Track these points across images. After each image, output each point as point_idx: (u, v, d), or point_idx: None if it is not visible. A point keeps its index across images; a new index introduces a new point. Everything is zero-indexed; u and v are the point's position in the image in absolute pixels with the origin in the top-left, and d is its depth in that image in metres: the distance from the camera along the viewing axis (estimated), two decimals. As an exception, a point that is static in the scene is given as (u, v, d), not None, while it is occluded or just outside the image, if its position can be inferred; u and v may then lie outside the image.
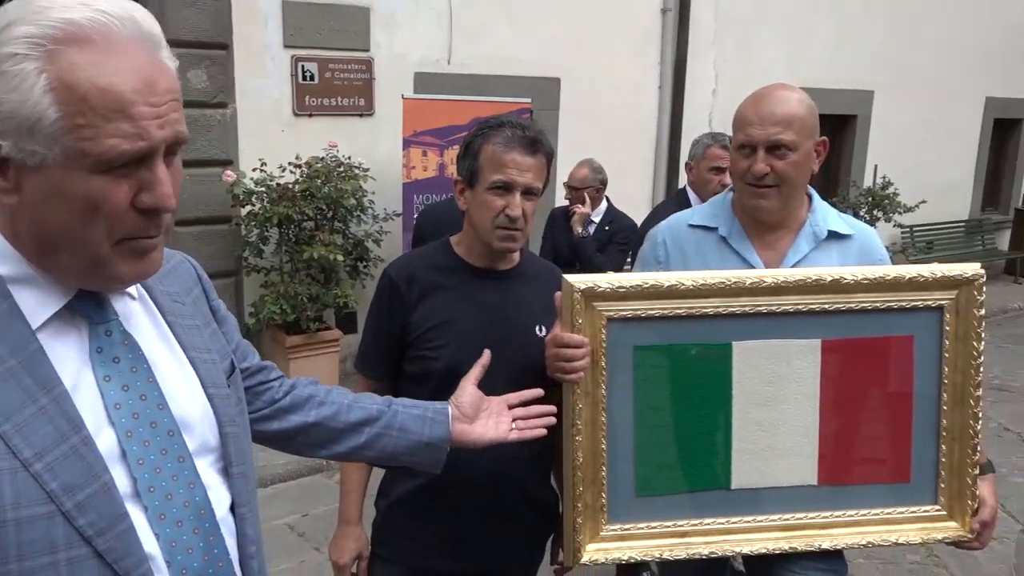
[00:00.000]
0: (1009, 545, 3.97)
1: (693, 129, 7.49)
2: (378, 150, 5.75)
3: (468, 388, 1.54)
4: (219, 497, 1.07)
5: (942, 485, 1.81)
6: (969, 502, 1.81)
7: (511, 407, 1.56)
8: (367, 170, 5.29)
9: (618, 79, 7.01)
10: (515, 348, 1.80)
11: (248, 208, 5.08)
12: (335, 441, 1.40)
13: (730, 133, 2.00)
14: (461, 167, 1.84)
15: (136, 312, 1.07)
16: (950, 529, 1.82)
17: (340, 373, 5.42)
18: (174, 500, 0.99)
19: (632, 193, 7.03)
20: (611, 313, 1.68)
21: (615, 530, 1.76)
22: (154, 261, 0.99)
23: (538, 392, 1.60)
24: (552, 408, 1.59)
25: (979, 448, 1.80)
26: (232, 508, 1.09)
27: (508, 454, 1.80)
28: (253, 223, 5.07)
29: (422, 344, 1.81)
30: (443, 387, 1.78)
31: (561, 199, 5.29)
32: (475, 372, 1.57)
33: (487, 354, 1.62)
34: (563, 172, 5.58)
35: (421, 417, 1.46)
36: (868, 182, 8.77)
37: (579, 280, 1.66)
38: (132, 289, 1.07)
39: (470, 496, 1.81)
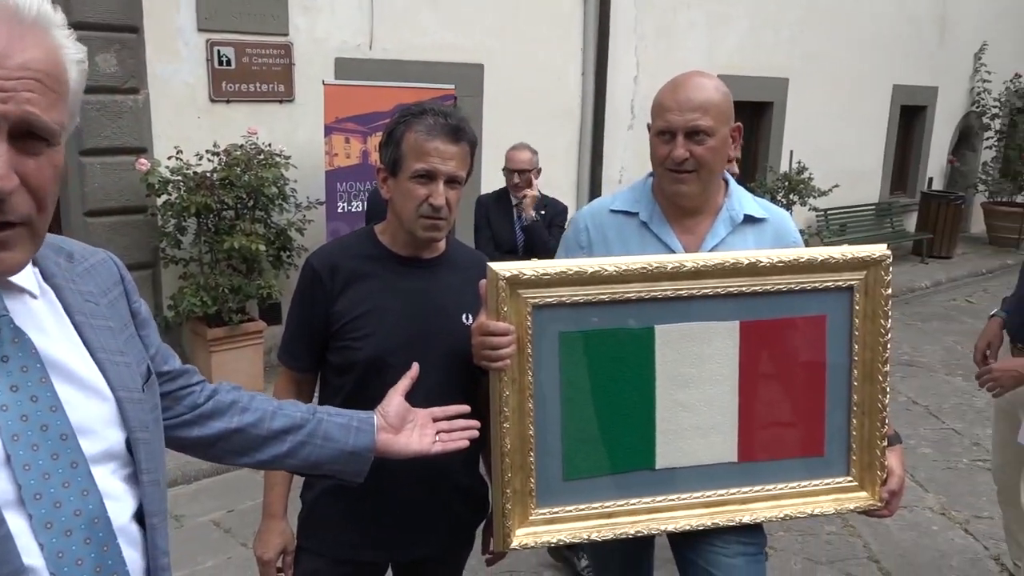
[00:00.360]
0: (919, 514, 4.19)
1: (616, 115, 7.61)
2: (299, 137, 5.64)
3: (395, 399, 1.54)
4: (121, 506, 1.02)
5: (853, 457, 1.89)
6: (878, 473, 1.89)
7: (436, 420, 1.57)
8: (288, 158, 5.19)
9: (541, 65, 7.03)
10: (441, 337, 1.80)
11: (164, 198, 4.92)
12: (257, 449, 1.37)
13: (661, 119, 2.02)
14: (383, 155, 1.82)
15: (36, 310, 1.01)
16: (861, 499, 1.90)
17: (265, 365, 5.32)
18: (63, 508, 0.94)
19: (558, 179, 7.08)
20: (536, 300, 1.69)
21: (544, 514, 1.78)
22: (4, 260, 0.92)
23: (464, 408, 1.61)
24: (476, 423, 1.61)
25: (887, 421, 1.88)
26: (140, 518, 1.05)
27: None
28: (170, 213, 4.92)
29: (345, 334, 1.80)
30: (367, 378, 1.77)
31: (488, 186, 5.28)
32: (403, 384, 1.57)
33: (415, 367, 1.62)
34: (488, 159, 5.59)
35: (346, 426, 1.45)
36: (784, 167, 9.04)
37: (503, 268, 1.66)
38: (34, 287, 1.01)
39: (397, 486, 1.80)
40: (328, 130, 5.32)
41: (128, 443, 1.04)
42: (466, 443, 1.57)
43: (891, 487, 1.90)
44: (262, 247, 4.94)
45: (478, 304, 1.77)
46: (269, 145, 5.18)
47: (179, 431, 1.30)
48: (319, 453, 1.41)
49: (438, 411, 1.58)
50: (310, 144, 5.62)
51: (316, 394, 1.96)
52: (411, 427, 1.53)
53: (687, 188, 1.92)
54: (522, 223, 4.52)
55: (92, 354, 1.04)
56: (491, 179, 5.44)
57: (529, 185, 4.54)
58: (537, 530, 1.78)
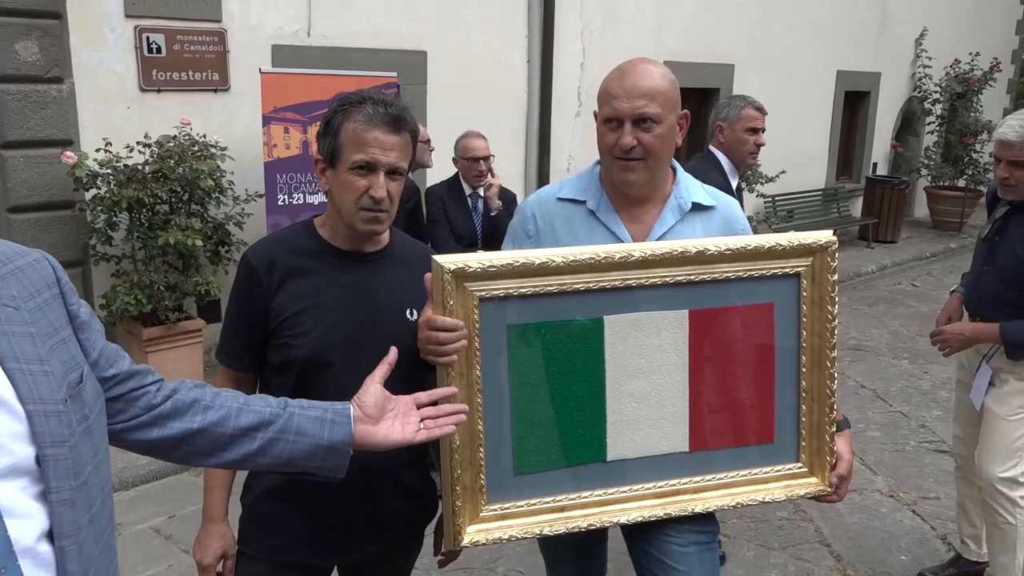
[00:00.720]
0: (868, 496, 4.30)
1: (563, 103, 7.62)
2: (235, 127, 5.53)
3: (371, 387, 1.50)
4: (28, 525, 0.98)
5: (803, 443, 1.93)
6: (828, 458, 1.93)
7: (420, 406, 1.53)
8: (224, 149, 5.09)
9: (486, 52, 7.00)
10: (385, 333, 1.78)
11: (93, 192, 4.78)
12: (224, 448, 1.33)
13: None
14: (321, 145, 1.79)
15: None
16: (811, 485, 1.95)
17: (205, 364, 5.22)
18: None
19: (504, 168, 7.07)
20: (483, 293, 1.69)
21: (495, 510, 1.78)
22: None
23: (450, 391, 1.59)
24: (463, 407, 1.58)
25: (835, 406, 1.93)
26: (51, 537, 1.00)
27: None
28: (100, 208, 4.78)
29: (284, 332, 1.77)
30: (308, 376, 1.76)
31: (433, 178, 5.20)
32: (380, 371, 1.54)
33: (393, 351, 1.58)
34: (435, 148, 5.53)
35: (320, 419, 1.40)
36: (732, 153, 9.17)
37: (449, 260, 1.66)
38: None
39: (339, 487, 1.77)
40: (266, 120, 5.22)
41: (39, 459, 1.00)
42: (454, 428, 1.54)
43: (840, 472, 1.95)
44: (199, 242, 4.84)
45: (423, 299, 1.75)
46: (204, 136, 5.07)
47: (137, 433, 1.25)
48: (292, 449, 1.37)
49: (423, 396, 1.54)
50: (247, 135, 5.51)
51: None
52: (392, 416, 1.47)
53: (635, 176, 1.92)
54: (487, 214, 4.48)
55: (2, 364, 1.00)
56: (437, 169, 5.40)
57: (488, 173, 4.52)
58: (488, 527, 1.78)
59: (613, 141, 1.90)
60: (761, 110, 3.73)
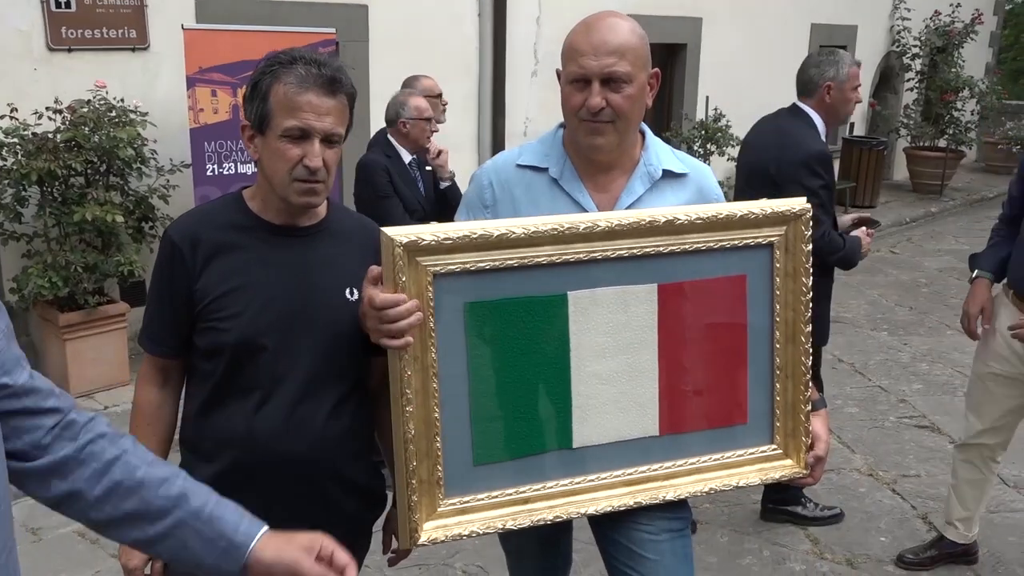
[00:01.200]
0: (846, 475, 4.42)
1: (518, 62, 7.59)
2: (157, 91, 5.42)
3: (288, 548, 1.35)
4: None
5: (777, 424, 1.97)
6: (803, 439, 1.98)
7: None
8: (145, 114, 5.00)
9: (433, 6, 6.93)
10: (322, 315, 1.78)
11: (-2, 164, 4.66)
12: (96, 525, 1.31)
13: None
14: (248, 110, 1.76)
15: None
16: (786, 467, 1.99)
17: (130, 352, 5.14)
18: None
19: (456, 133, 7.03)
20: (437, 268, 1.68)
21: (453, 504, 1.79)
22: None
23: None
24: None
25: (810, 384, 1.97)
26: None
27: (320, 432, 1.79)
28: (7, 182, 4.66)
29: (211, 314, 1.76)
30: (238, 362, 1.75)
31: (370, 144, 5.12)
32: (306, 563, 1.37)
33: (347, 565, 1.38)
34: (377, 112, 5.47)
35: (211, 544, 1.32)
36: (700, 115, 9.24)
37: (400, 233, 1.64)
38: None
39: (277, 482, 1.79)
40: (190, 82, 5.11)
41: None
42: None
43: (817, 453, 1.99)
44: (119, 218, 4.75)
45: (364, 275, 1.74)
46: (122, 100, 4.96)
47: (14, 475, 1.19)
48: (168, 556, 1.34)
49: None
50: (170, 98, 5.40)
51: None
52: None
53: (604, 140, 1.92)
54: (434, 185, 4.39)
55: None
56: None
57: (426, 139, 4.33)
58: (447, 522, 1.79)
59: (580, 102, 1.89)
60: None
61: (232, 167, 5.33)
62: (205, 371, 1.80)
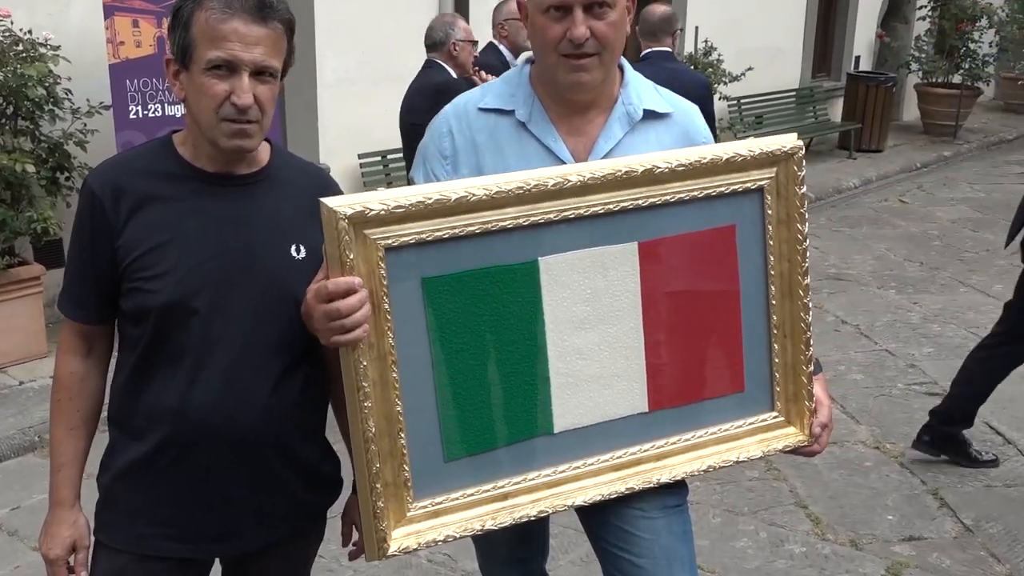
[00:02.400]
0: (850, 449, 4.50)
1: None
2: (70, 21, 5.33)
3: None
4: None
5: (777, 389, 2.00)
6: (806, 403, 2.00)
7: None
8: (57, 48, 4.91)
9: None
10: (262, 275, 1.78)
11: None
12: None
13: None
14: (172, 41, 1.74)
15: None
16: (789, 436, 2.02)
17: (47, 319, 5.10)
18: None
19: (410, 75, 6.95)
20: (389, 241, 1.65)
21: (424, 507, 1.78)
22: None
23: None
24: None
25: (811, 343, 1.99)
26: None
27: (264, 404, 1.79)
28: None
29: (135, 274, 1.75)
30: (166, 328, 1.75)
31: (329, 79, 5.07)
32: None
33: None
34: (324, 42, 5.39)
35: None
36: (689, 48, 9.21)
37: (343, 204, 1.60)
38: None
39: (215, 461, 1.79)
40: (108, 10, 5.02)
41: None
42: None
43: (822, 419, 2.02)
44: (30, 167, 4.68)
45: (311, 230, 1.73)
46: (29, 32, 4.87)
47: None
48: None
49: None
50: (86, 30, 5.30)
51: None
52: None
53: (589, 77, 1.89)
54: None
55: None
56: (332, 69, 5.26)
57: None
58: (419, 528, 1.78)
59: (560, 34, 1.85)
60: None
61: (159, 109, 5.25)
62: (132, 338, 1.80)
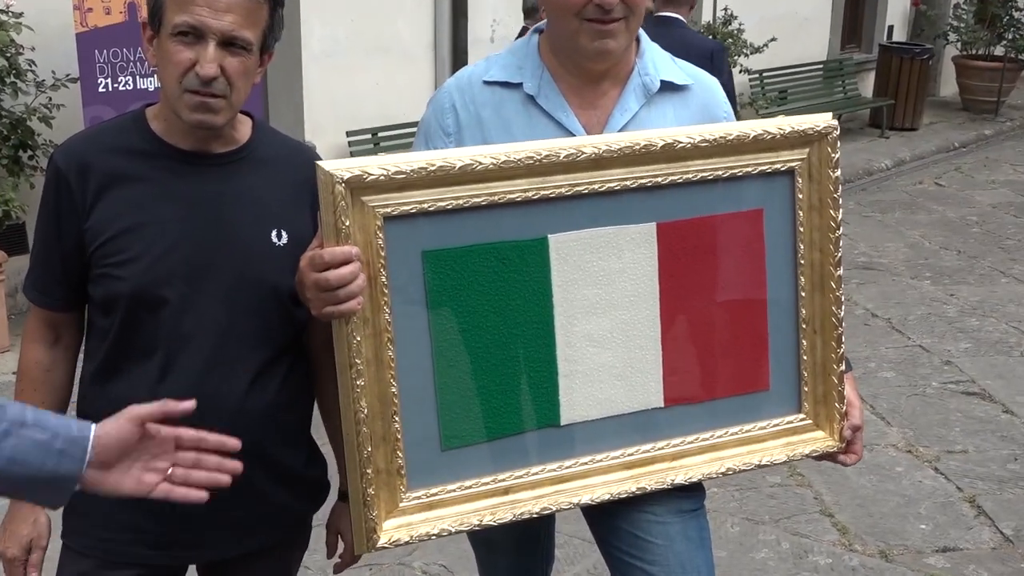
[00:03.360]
0: (880, 453, 4.51)
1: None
2: (33, -13, 5.30)
3: (120, 421, 1.48)
4: None
5: (805, 388, 2.00)
6: (837, 405, 2.01)
7: (183, 447, 1.52)
8: (19, 16, 4.91)
9: None
10: (240, 262, 1.78)
11: None
12: None
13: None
14: (147, 2, 1.76)
15: None
16: (818, 440, 2.03)
17: (9, 311, 5.11)
18: None
19: (406, 42, 6.95)
20: (388, 209, 1.67)
21: (419, 498, 1.80)
22: None
23: (230, 443, 1.55)
24: (236, 464, 1.56)
25: (843, 340, 1.99)
26: None
27: (239, 406, 1.80)
28: None
29: (104, 259, 1.76)
30: (136, 317, 1.76)
31: (316, 53, 5.09)
32: (146, 410, 1.49)
33: (187, 406, 1.52)
34: (309, 13, 5.39)
35: (46, 446, 1.40)
36: (707, 17, 9.20)
37: (341, 167, 1.62)
38: None
39: None
40: (74, -24, 5.00)
41: None
42: (204, 495, 1.53)
43: (853, 422, 2.03)
44: (-10, 146, 4.68)
45: (295, 215, 1.75)
46: (-13, -1, 4.86)
47: None
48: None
49: (188, 434, 1.52)
50: (50, -3, 5.28)
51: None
52: (133, 459, 1.49)
53: (615, 44, 1.89)
54: None
55: None
56: (319, 39, 5.26)
57: None
58: (411, 520, 1.80)
59: None
60: None
61: (130, 81, 5.25)
62: (102, 328, 1.81)
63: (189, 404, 1.51)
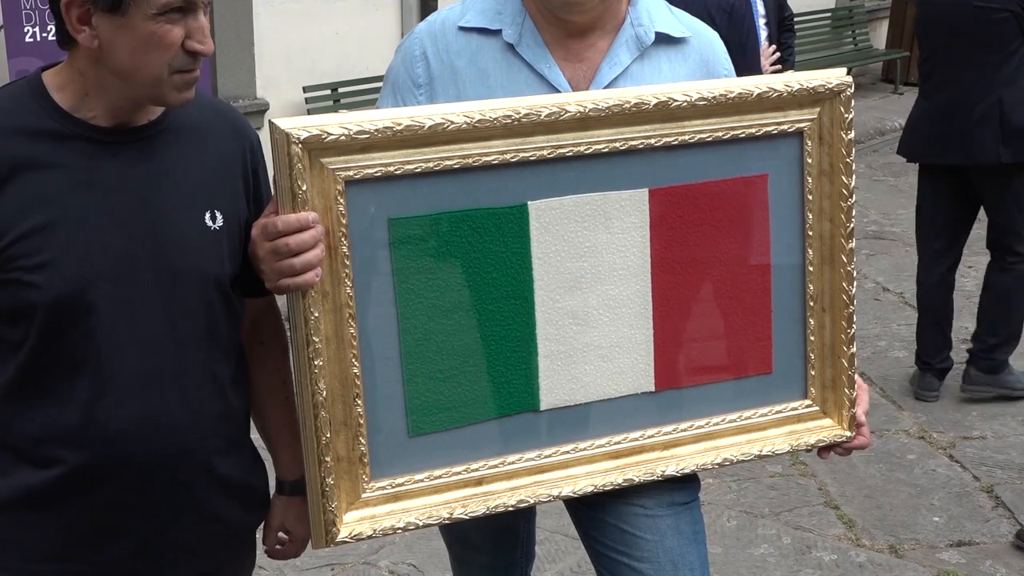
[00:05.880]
0: (891, 439, 4.55)
1: None
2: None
3: None
4: None
5: (812, 372, 2.01)
6: (846, 391, 2.01)
7: None
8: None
9: None
10: (173, 256, 1.74)
11: None
12: None
13: None
14: None
15: None
16: (825, 429, 2.03)
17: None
18: None
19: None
20: (350, 173, 1.67)
21: (383, 488, 1.80)
22: None
23: None
24: None
25: (854, 320, 2.00)
26: None
27: (186, 419, 1.78)
28: None
29: (10, 263, 1.67)
30: (55, 331, 1.70)
31: (261, 9, 5.04)
32: None
33: None
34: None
35: None
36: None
37: (297, 126, 1.62)
38: None
39: (127, 492, 1.77)
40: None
41: None
42: None
43: (864, 407, 2.04)
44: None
45: (229, 191, 1.73)
46: None
47: None
48: None
49: None
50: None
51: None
52: None
53: None
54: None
55: None
56: None
57: None
58: (375, 512, 1.80)
59: None
60: None
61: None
62: (11, 342, 1.74)
63: None
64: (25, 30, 5.10)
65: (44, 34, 5.15)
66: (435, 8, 7.03)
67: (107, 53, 1.67)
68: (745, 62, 3.67)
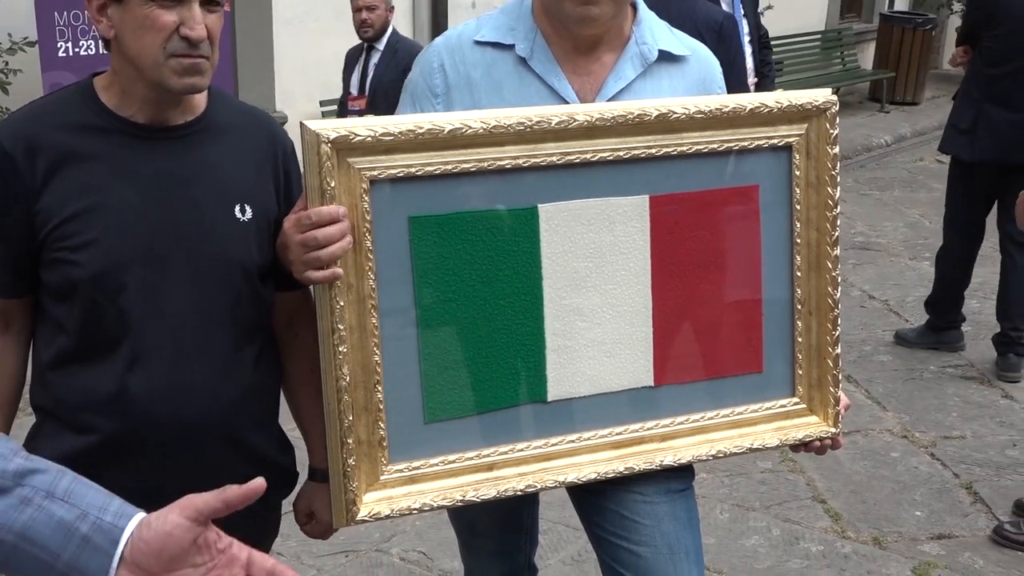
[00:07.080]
0: (875, 438, 4.58)
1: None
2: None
3: (173, 518, 1.20)
4: None
5: (799, 372, 2.04)
6: (831, 390, 2.05)
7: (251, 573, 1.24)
8: (-27, -23, 4.86)
9: None
10: (204, 243, 1.79)
11: None
12: None
13: None
14: None
15: None
16: (811, 425, 2.06)
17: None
18: None
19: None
20: (375, 172, 1.70)
21: (401, 471, 1.83)
22: None
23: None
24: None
25: (839, 322, 2.03)
26: None
27: (213, 390, 1.82)
28: None
29: (57, 243, 1.74)
30: (96, 305, 1.75)
31: (280, 27, 5.08)
32: (206, 501, 1.25)
33: (259, 482, 1.30)
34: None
35: (68, 528, 1.14)
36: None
37: (327, 127, 1.65)
38: None
39: (161, 456, 1.81)
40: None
41: None
42: None
43: (847, 403, 2.08)
44: (-59, 114, 4.65)
45: (257, 186, 1.76)
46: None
47: None
48: (6, 554, 1.13)
49: (262, 562, 1.27)
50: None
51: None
52: (186, 562, 1.19)
53: (599, 11, 1.91)
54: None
55: None
56: (290, 3, 5.27)
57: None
58: (392, 493, 1.83)
59: None
60: None
61: (92, 46, 5.21)
62: (57, 316, 1.80)
63: (258, 484, 1.30)
64: (58, 45, 5.12)
65: (76, 49, 5.17)
66: (446, 26, 7.05)
67: (121, 41, 1.74)
68: (733, 78, 3.76)
